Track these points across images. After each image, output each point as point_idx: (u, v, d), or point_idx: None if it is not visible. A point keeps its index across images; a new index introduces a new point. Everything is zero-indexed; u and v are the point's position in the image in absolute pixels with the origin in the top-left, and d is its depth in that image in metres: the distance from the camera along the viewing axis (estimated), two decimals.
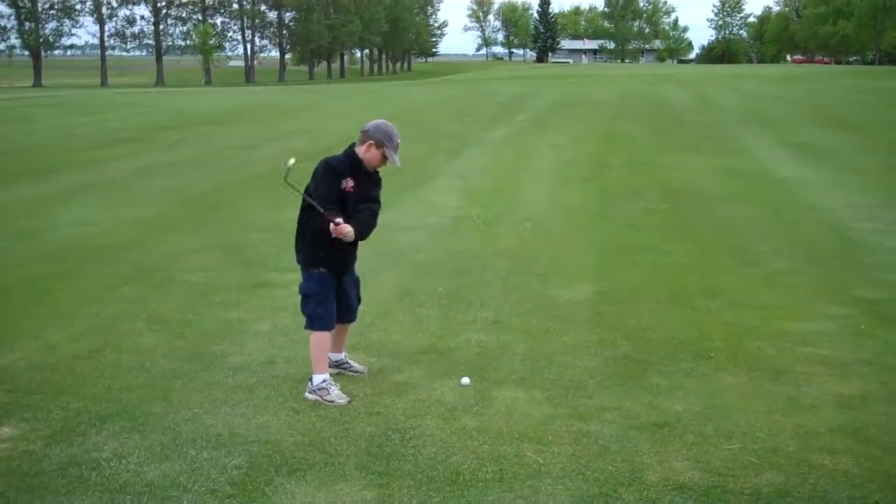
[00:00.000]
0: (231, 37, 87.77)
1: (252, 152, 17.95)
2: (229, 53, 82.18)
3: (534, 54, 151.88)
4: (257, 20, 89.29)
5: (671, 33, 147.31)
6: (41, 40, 73.66)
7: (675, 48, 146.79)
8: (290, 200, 5.38)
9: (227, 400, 5.04)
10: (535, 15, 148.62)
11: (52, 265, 8.50)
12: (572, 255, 9.10)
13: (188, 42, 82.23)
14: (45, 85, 65.68)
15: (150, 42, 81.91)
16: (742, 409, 4.94)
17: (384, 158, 5.04)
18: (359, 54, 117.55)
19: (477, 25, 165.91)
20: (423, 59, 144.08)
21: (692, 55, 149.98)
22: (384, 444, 4.46)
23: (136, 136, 21.04)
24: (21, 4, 72.28)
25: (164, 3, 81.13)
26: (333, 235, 4.86)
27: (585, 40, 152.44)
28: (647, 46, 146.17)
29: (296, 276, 5.41)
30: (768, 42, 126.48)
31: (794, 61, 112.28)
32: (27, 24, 73.43)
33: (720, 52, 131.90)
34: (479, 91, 38.81)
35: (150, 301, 7.17)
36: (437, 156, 17.50)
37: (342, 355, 5.50)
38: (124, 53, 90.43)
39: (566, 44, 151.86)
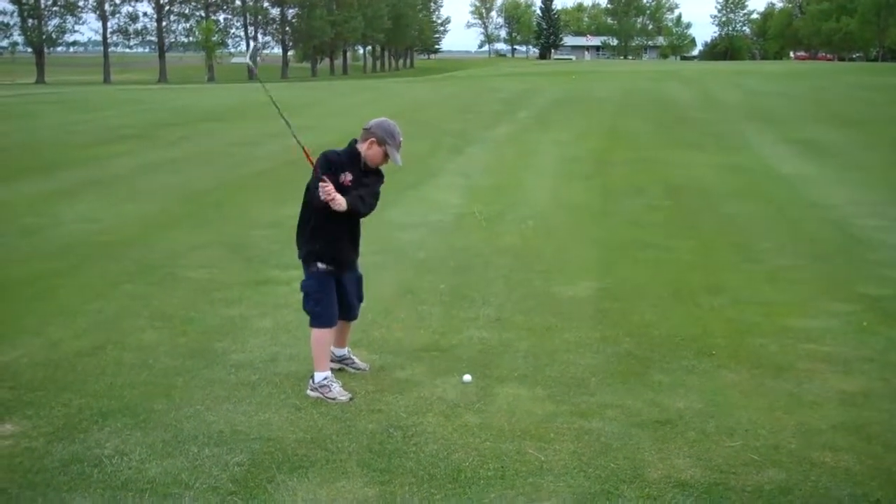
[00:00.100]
0: (234, 33, 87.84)
1: (254, 149, 17.94)
2: (232, 50, 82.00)
3: (536, 51, 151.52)
4: (260, 16, 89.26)
5: (674, 30, 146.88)
6: (44, 37, 73.78)
7: (678, 45, 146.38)
8: (293, 197, 5.37)
9: (229, 397, 5.05)
10: (538, 11, 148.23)
11: (55, 262, 8.51)
12: (575, 251, 9.09)
13: (191, 39, 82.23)
14: (48, 82, 65.72)
15: (153, 39, 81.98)
16: (744, 407, 4.94)
17: (385, 156, 5.04)
18: (361, 51, 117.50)
19: (480, 22, 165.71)
20: (426, 56, 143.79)
21: (695, 52, 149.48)
22: (386, 442, 4.46)
23: (139, 133, 21.07)
24: (24, 1, 72.34)
25: (166, 0, 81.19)
26: (322, 197, 4.79)
27: (588, 37, 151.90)
28: (650, 43, 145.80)
29: (298, 273, 5.41)
30: (771, 39, 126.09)
31: (797, 58, 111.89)
32: (30, 20, 73.57)
33: (723, 49, 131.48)
34: (481, 88, 38.73)
35: (152, 298, 7.18)
36: (440, 153, 17.45)
37: (345, 351, 5.50)
38: (127, 50, 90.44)
39: (569, 40, 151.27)
